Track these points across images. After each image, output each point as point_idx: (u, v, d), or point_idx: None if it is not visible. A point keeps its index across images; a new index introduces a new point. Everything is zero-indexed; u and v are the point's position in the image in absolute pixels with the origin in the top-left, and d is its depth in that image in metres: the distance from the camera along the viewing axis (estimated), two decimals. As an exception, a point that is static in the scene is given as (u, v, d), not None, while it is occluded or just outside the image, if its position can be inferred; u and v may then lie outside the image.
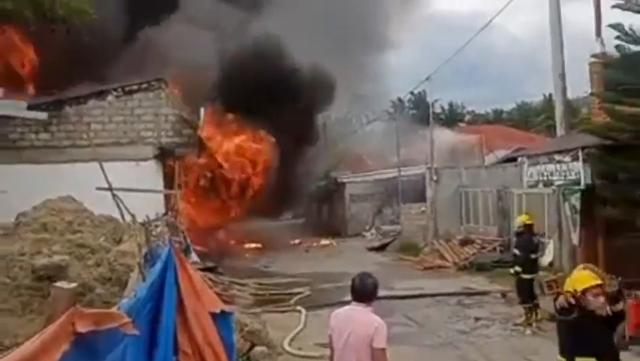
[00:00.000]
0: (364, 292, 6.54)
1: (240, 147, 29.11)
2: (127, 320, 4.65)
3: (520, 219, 15.31)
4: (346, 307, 6.71)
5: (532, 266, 14.45)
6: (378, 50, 40.86)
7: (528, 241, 14.66)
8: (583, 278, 6.44)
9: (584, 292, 6.27)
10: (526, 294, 14.25)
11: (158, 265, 6.29)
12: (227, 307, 7.53)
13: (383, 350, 6.34)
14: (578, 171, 16.59)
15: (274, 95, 29.00)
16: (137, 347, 5.44)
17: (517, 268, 14.41)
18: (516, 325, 14.03)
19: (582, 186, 17.09)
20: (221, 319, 6.88)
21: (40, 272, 11.21)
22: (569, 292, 6.36)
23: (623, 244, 14.37)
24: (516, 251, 14.68)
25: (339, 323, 6.62)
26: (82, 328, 3.78)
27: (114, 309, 5.09)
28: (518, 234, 15.00)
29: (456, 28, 72.67)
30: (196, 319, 6.30)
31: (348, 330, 6.44)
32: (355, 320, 6.47)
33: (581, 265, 6.35)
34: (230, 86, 27.19)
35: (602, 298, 6.26)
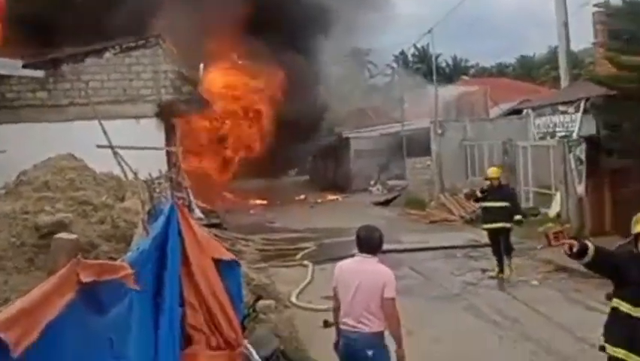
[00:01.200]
0: (371, 243, 6.49)
1: (244, 98, 28.80)
2: (130, 271, 4.54)
3: (495, 170, 14.73)
4: (353, 259, 6.65)
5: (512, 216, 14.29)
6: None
7: (509, 191, 14.72)
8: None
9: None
10: (509, 244, 14.29)
11: (161, 219, 6.19)
12: (234, 257, 7.47)
13: (393, 299, 6.33)
14: (581, 121, 16.41)
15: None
16: (144, 300, 5.39)
17: (518, 217, 14.31)
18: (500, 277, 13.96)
19: (575, 137, 16.94)
20: (227, 269, 6.81)
21: (43, 230, 11.10)
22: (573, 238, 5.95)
23: (629, 194, 14.24)
24: (500, 203, 13.98)
25: (346, 274, 6.56)
26: (86, 278, 3.67)
27: (118, 261, 4.98)
28: (493, 186, 14.26)
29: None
30: (201, 271, 6.23)
31: (356, 281, 6.40)
32: (364, 270, 6.41)
33: None
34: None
35: None
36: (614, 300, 5.71)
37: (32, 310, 3.10)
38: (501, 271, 14.04)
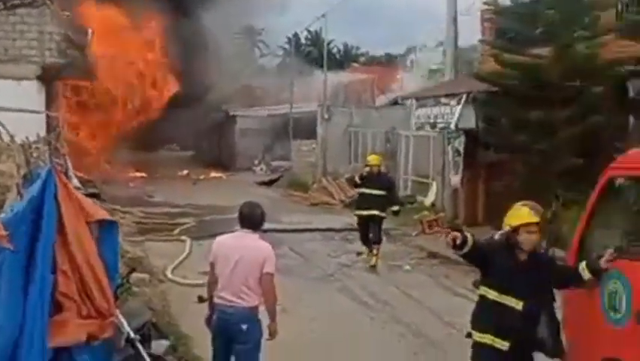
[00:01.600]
0: (253, 219, 6.56)
1: (131, 65, 28.08)
2: (2, 232, 4.44)
3: (375, 158, 14.69)
4: (233, 234, 6.70)
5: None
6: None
7: (388, 180, 14.85)
8: (520, 214, 5.90)
9: (518, 228, 5.79)
10: (380, 234, 14.16)
11: (38, 183, 6.03)
12: (112, 218, 7.34)
13: (272, 274, 6.44)
14: (460, 114, 17.00)
15: None
16: (15, 263, 5.32)
17: (395, 208, 14.56)
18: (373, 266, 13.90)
19: (453, 128, 17.56)
20: (106, 233, 6.69)
21: None
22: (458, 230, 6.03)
23: (502, 188, 14.89)
24: (377, 191, 13.85)
25: (226, 249, 6.59)
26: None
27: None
28: (372, 173, 14.08)
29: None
30: (76, 238, 6.11)
31: (237, 256, 6.44)
32: (245, 245, 6.48)
33: (521, 202, 6.18)
34: None
35: (534, 237, 5.81)
36: (482, 288, 5.97)
37: None
38: (370, 251, 14.01)
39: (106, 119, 27.61)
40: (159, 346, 7.02)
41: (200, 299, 10.22)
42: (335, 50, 66.52)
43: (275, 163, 35.21)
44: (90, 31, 22.50)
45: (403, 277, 13.29)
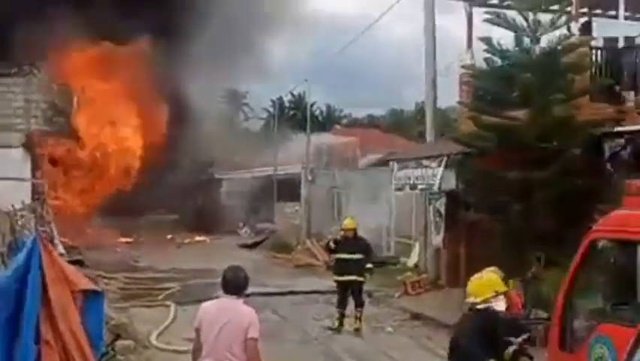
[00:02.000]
0: (237, 284, 6.58)
1: (116, 132, 28.37)
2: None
3: (350, 222, 14.54)
4: (218, 300, 6.72)
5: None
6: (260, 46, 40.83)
7: (364, 243, 14.35)
8: (498, 282, 6.36)
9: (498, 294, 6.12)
10: (361, 298, 14.04)
11: (23, 253, 6.17)
12: (98, 288, 7.45)
13: (256, 340, 6.44)
14: (441, 176, 17.25)
15: None
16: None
17: (368, 266, 14.02)
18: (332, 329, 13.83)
19: (436, 190, 17.80)
20: (91, 302, 6.79)
21: None
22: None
23: (482, 248, 15.03)
24: (354, 256, 13.73)
25: (211, 315, 6.58)
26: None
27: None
28: (348, 237, 14.05)
29: (340, 29, 73.62)
30: (60, 307, 6.22)
31: (221, 322, 6.44)
32: (229, 311, 6.48)
33: (490, 268, 6.42)
34: None
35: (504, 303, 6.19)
36: None
37: None
38: (341, 324, 13.79)
39: (90, 185, 27.76)
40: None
41: (185, 365, 10.28)
42: (318, 112, 67.28)
43: (259, 225, 35.26)
44: (75, 98, 22.87)
45: (385, 339, 13.35)
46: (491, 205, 15.09)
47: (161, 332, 13.00)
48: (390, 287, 18.07)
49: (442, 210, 18.55)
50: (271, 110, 56.37)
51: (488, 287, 6.23)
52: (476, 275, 6.46)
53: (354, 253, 13.75)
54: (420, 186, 19.11)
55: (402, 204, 23.01)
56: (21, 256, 6.00)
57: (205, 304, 6.80)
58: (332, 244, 14.37)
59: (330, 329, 13.89)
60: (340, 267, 14.05)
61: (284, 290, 18.28)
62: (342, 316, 13.87)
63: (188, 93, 35.88)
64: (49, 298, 6.17)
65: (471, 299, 6.19)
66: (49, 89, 21.14)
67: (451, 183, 17.29)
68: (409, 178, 19.89)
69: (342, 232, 14.32)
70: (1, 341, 5.35)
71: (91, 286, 7.09)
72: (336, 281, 14.31)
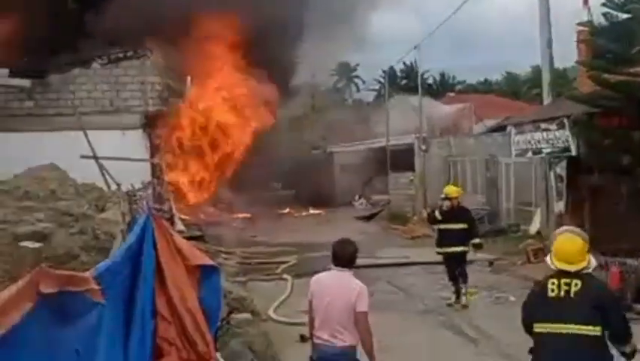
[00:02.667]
0: (345, 257, 6.54)
1: (232, 110, 28.75)
2: (95, 286, 4.56)
3: (452, 190, 13.85)
4: (328, 272, 6.70)
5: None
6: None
7: (468, 212, 13.74)
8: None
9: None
10: (464, 270, 13.34)
11: (136, 230, 6.23)
12: (214, 263, 7.49)
13: (365, 313, 6.36)
14: (565, 139, 16.50)
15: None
16: (115, 311, 5.40)
17: (476, 241, 13.46)
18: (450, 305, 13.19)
19: (571, 154, 17.06)
20: (207, 277, 6.82)
21: (22, 239, 11.11)
22: None
23: (608, 212, 14.37)
24: (458, 225, 13.09)
25: (321, 287, 6.61)
26: (46, 288, 3.70)
27: (89, 272, 5.01)
28: (453, 207, 13.25)
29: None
30: (174, 283, 6.26)
31: (329, 295, 6.46)
32: (337, 284, 6.48)
33: (563, 228, 6.02)
34: None
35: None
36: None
37: None
38: (458, 297, 13.18)
39: (207, 163, 28.38)
40: (260, 387, 7.05)
41: (303, 338, 10.30)
42: (431, 80, 66.32)
43: (374, 197, 35.17)
44: (189, 78, 23.33)
45: (507, 308, 12.88)
46: (616, 167, 14.36)
47: (279, 305, 13.12)
48: (512, 255, 17.53)
49: (564, 174, 17.81)
50: (382, 80, 56.06)
51: (585, 252, 5.78)
52: (566, 236, 5.92)
53: (456, 222, 13.13)
54: (545, 150, 18.42)
55: (521, 170, 22.26)
56: (134, 234, 6.04)
57: (315, 277, 6.79)
58: (438, 215, 13.49)
59: (449, 304, 13.29)
60: (442, 238, 13.47)
61: (400, 261, 18.07)
62: (457, 289, 13.28)
63: (299, 68, 36.07)
64: (164, 274, 6.21)
65: (576, 267, 5.73)
66: (163, 70, 21.66)
67: (572, 145, 16.54)
68: (529, 142, 19.20)
69: (446, 201, 13.34)
70: (118, 317, 5.37)
71: (207, 261, 7.11)
72: (438, 253, 13.78)
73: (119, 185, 15.32)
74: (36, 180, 12.85)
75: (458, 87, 70.59)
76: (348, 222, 28.88)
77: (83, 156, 15.79)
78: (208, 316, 6.59)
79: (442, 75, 71.67)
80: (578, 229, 6.02)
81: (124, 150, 17.73)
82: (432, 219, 14.14)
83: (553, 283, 5.74)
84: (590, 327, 5.52)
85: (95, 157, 15.91)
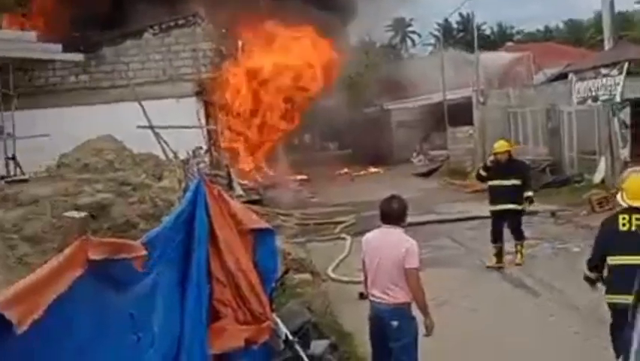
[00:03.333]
0: (392, 214, 6.48)
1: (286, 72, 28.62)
2: (143, 252, 4.59)
3: (502, 144, 12.74)
4: (377, 230, 6.67)
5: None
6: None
7: (521, 166, 13.08)
8: None
9: None
10: (519, 229, 12.63)
11: (188, 196, 6.25)
12: (268, 225, 7.51)
13: (415, 269, 6.28)
14: (624, 84, 16.01)
15: None
16: (169, 276, 5.45)
17: (528, 194, 12.44)
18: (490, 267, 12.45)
19: (618, 100, 16.56)
20: (262, 239, 6.85)
21: (84, 211, 11.35)
22: None
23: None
24: (507, 182, 12.23)
25: (371, 246, 6.60)
26: (95, 255, 3.73)
27: (140, 239, 5.05)
28: (500, 161, 12.39)
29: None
30: (228, 247, 6.28)
31: (379, 253, 6.43)
32: (385, 241, 6.44)
33: (632, 168, 6.15)
34: None
35: None
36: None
37: (37, 287, 3.14)
38: (499, 260, 12.39)
39: (263, 126, 28.41)
40: (318, 346, 7.07)
41: (361, 296, 10.32)
42: (488, 32, 64.95)
43: (433, 153, 34.84)
44: (240, 43, 23.33)
45: (571, 259, 12.63)
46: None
47: (338, 265, 13.16)
48: (576, 206, 17.17)
49: (627, 120, 17.29)
50: (438, 34, 55.11)
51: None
52: (637, 175, 6.70)
53: (508, 178, 12.22)
54: (602, 97, 17.91)
55: (583, 118, 21.66)
56: (185, 200, 6.08)
57: (366, 236, 6.80)
58: (482, 171, 12.82)
59: (488, 266, 12.44)
60: (494, 195, 12.59)
61: (460, 216, 17.88)
62: (499, 252, 12.44)
63: (353, 24, 35.64)
64: (217, 238, 6.24)
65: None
66: (214, 36, 21.71)
67: (636, 91, 16.04)
68: (590, 90, 18.72)
69: (492, 157, 12.60)
70: (172, 281, 5.42)
71: (261, 224, 7.12)
72: (490, 211, 12.89)
73: (175, 153, 15.58)
74: (94, 152, 13.08)
75: (517, 37, 68.90)
76: (407, 180, 28.72)
77: (139, 127, 16.05)
78: (264, 278, 6.63)
79: (500, 26, 70.12)
80: None
81: (179, 118, 17.95)
82: (478, 176, 13.47)
83: (624, 219, 6.39)
84: None
85: (152, 127, 16.16)
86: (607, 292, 6.59)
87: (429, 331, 6.39)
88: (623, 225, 6.39)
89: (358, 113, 39.14)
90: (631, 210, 6.39)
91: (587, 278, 6.88)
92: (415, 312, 6.44)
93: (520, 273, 11.92)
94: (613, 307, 6.47)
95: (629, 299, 5.79)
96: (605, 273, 6.56)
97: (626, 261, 6.26)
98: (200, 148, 17.35)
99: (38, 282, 3.21)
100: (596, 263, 6.70)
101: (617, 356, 6.30)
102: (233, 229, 6.56)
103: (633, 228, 6.32)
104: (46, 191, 11.92)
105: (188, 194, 6.33)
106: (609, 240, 6.55)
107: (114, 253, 4.12)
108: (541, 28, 70.69)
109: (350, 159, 39.07)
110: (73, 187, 12.18)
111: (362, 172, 33.67)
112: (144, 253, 4.56)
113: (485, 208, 17.43)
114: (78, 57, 20.06)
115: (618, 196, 6.63)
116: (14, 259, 10.83)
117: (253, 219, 7.08)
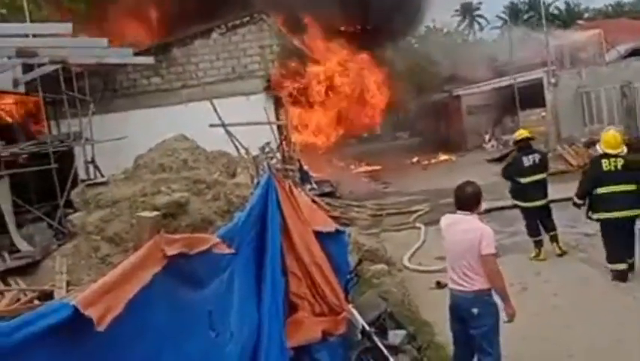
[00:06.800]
0: (464, 200, 6.45)
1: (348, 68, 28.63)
2: (218, 240, 4.67)
3: (523, 132, 12.47)
4: (452, 216, 6.64)
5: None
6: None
7: (543, 156, 12.46)
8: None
9: None
10: (550, 222, 12.22)
11: (258, 191, 6.33)
12: (339, 227, 7.57)
13: (490, 255, 6.22)
14: None
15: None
16: (245, 272, 5.52)
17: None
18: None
19: None
20: (332, 239, 6.91)
21: (162, 210, 11.61)
22: None
23: None
24: (537, 176, 12.11)
25: (447, 232, 6.61)
26: (171, 251, 3.82)
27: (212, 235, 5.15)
28: (522, 149, 12.12)
29: None
30: (302, 240, 6.34)
31: (454, 239, 6.43)
32: (459, 228, 6.41)
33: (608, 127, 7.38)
34: None
35: None
36: None
37: (116, 285, 3.23)
38: (540, 251, 12.00)
39: (332, 118, 28.45)
40: (396, 336, 7.08)
41: (439, 284, 10.29)
42: (556, 11, 63.38)
43: (505, 137, 34.23)
44: (305, 36, 23.44)
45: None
46: None
47: (413, 254, 13.11)
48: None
49: None
50: (505, 16, 54.13)
51: (622, 142, 10.04)
52: (611, 132, 10.23)
53: (537, 173, 12.11)
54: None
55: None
56: (255, 195, 6.15)
57: (442, 221, 6.74)
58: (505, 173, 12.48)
59: (536, 258, 11.98)
60: (519, 190, 12.32)
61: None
62: (538, 243, 12.09)
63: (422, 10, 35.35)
64: (290, 232, 6.30)
65: (619, 150, 9.77)
66: (280, 32, 21.88)
67: None
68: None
69: (515, 145, 12.35)
70: (248, 278, 5.51)
71: (330, 225, 7.17)
72: (519, 207, 12.56)
73: (247, 149, 15.78)
74: (168, 152, 13.33)
75: (586, 15, 66.95)
76: (480, 165, 28.27)
77: (212, 125, 16.32)
78: (336, 270, 6.68)
79: (567, 4, 68.25)
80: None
81: (249, 115, 18.15)
82: (504, 174, 12.82)
83: (606, 162, 9.70)
84: (632, 185, 9.58)
85: (224, 124, 16.41)
86: (595, 212, 9.95)
87: (510, 317, 6.33)
88: (606, 166, 9.66)
89: (427, 100, 38.76)
90: (607, 155, 9.70)
91: (575, 204, 10.30)
92: (496, 298, 6.37)
93: (600, 257, 11.61)
94: (602, 221, 9.96)
95: (615, 215, 9.67)
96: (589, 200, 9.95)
97: (612, 190, 9.62)
98: (268, 143, 17.50)
99: (116, 280, 3.30)
100: (585, 194, 10.00)
101: (608, 251, 10.03)
102: (305, 224, 6.63)
103: (612, 167, 9.61)
104: (124, 192, 12.25)
105: (258, 190, 6.40)
106: (597, 177, 9.77)
107: (189, 247, 4.20)
108: (612, 2, 68.52)
109: (421, 147, 38.74)
110: (150, 187, 12.46)
111: (433, 160, 33.36)
112: (219, 240, 4.64)
113: (562, 190, 17.19)
114: (149, 60, 20.51)
115: (597, 146, 10.04)
116: (97, 259, 11.20)
117: (317, 220, 7.09)
